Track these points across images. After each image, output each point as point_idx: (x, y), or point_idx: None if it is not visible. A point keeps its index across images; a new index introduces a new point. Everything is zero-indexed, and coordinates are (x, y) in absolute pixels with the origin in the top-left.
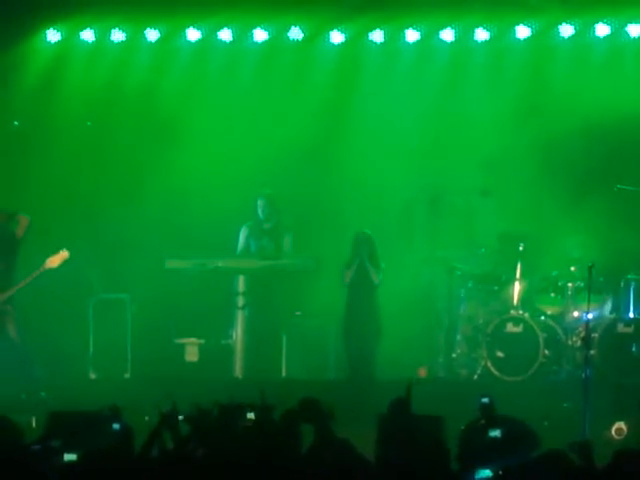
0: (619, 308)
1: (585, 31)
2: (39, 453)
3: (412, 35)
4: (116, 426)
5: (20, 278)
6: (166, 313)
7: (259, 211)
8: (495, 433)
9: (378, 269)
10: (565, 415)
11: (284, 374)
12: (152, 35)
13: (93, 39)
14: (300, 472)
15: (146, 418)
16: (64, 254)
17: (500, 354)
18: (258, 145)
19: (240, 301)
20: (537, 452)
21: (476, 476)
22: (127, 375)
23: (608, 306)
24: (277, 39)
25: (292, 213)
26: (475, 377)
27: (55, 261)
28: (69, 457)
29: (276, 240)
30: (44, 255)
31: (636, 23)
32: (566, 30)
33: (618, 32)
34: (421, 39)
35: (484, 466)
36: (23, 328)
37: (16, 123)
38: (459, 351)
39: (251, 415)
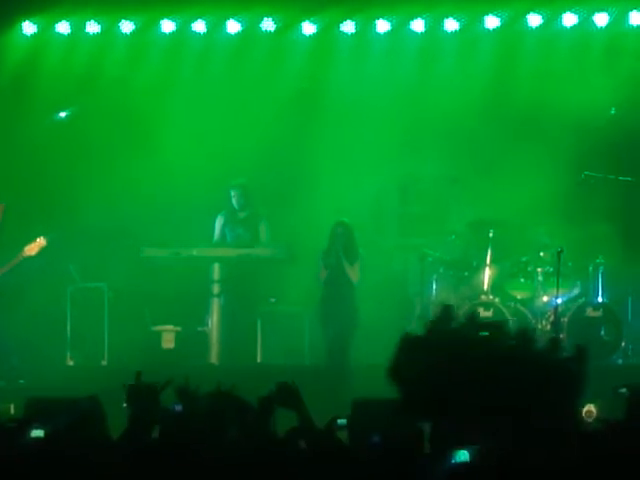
0: (588, 292)
1: (553, 21)
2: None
3: (383, 26)
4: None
5: None
6: (143, 301)
7: (233, 201)
8: None
9: (355, 258)
10: None
11: (259, 360)
12: (127, 27)
13: (69, 31)
14: (279, 456)
15: (124, 405)
16: (41, 242)
17: None
18: (232, 135)
19: (215, 289)
20: None
21: (452, 459)
22: (104, 362)
23: (577, 290)
24: (250, 31)
25: (266, 202)
26: None
27: (33, 249)
28: (36, 433)
29: (251, 229)
30: (21, 244)
31: (603, 12)
32: (534, 19)
33: (585, 21)
34: (392, 30)
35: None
36: (1, 317)
37: None
38: None
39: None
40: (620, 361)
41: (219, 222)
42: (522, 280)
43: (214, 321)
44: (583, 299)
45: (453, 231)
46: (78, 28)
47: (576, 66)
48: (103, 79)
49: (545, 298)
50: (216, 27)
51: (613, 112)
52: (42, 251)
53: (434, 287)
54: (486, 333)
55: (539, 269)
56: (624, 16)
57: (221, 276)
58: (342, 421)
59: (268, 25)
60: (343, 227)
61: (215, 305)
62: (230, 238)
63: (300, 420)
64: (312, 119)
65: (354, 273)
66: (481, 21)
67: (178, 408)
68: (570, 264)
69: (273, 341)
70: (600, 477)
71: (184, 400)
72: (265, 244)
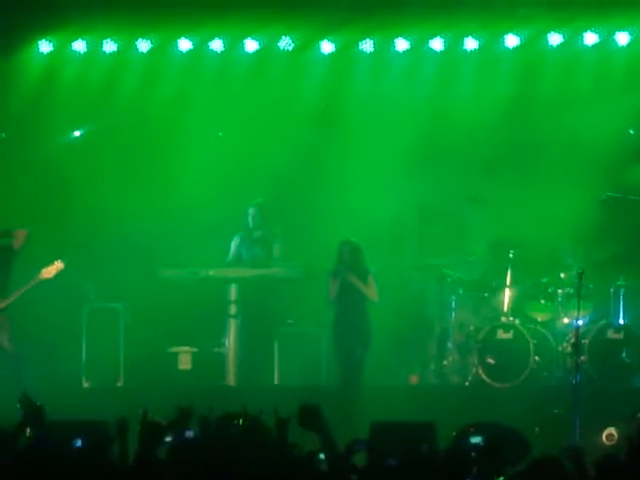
0: (609, 314)
1: (573, 39)
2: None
3: (402, 44)
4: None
5: (15, 288)
6: (159, 322)
7: (250, 220)
8: (477, 440)
9: (366, 277)
10: (556, 421)
11: (277, 381)
12: (144, 46)
13: (85, 50)
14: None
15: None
16: (59, 265)
17: (491, 361)
18: (250, 154)
19: (232, 309)
20: (528, 458)
21: None
22: (120, 384)
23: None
24: (268, 49)
25: (284, 221)
26: (466, 384)
27: (50, 272)
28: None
29: (267, 248)
30: (39, 265)
31: (624, 31)
32: (555, 39)
33: (606, 40)
34: (411, 48)
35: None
36: (17, 337)
37: (3, 135)
38: (450, 358)
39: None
40: None
41: (235, 242)
42: (542, 301)
43: (231, 342)
44: (604, 321)
45: (473, 251)
46: (95, 46)
47: (596, 85)
48: (120, 97)
49: (566, 320)
50: (234, 45)
51: (632, 132)
52: (59, 273)
53: (453, 308)
54: None
55: (560, 290)
56: None
57: (238, 297)
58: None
59: (286, 44)
60: (349, 246)
61: (232, 326)
62: (247, 257)
63: (322, 442)
64: (330, 138)
65: (371, 290)
66: (501, 40)
67: (189, 434)
68: (591, 286)
69: (290, 362)
70: None
71: (185, 422)
72: (278, 263)
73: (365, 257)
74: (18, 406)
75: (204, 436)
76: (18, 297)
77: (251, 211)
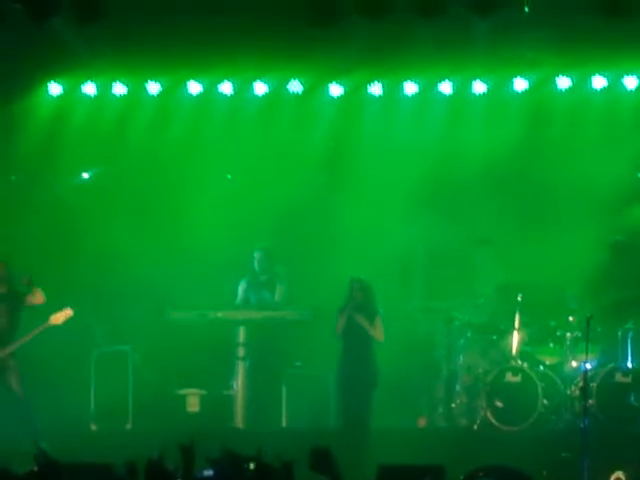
0: (617, 358)
1: (582, 83)
2: None
3: (411, 87)
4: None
5: (24, 332)
6: (167, 364)
7: (256, 263)
8: None
9: (374, 317)
10: (564, 465)
11: (285, 424)
12: (153, 88)
13: (95, 92)
14: None
15: None
16: (68, 312)
17: (499, 404)
18: (258, 196)
19: (241, 352)
20: None
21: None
22: (128, 426)
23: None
24: (277, 92)
25: (292, 263)
26: (475, 427)
27: (59, 318)
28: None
29: (274, 291)
30: (48, 307)
31: (632, 75)
32: (563, 82)
33: (615, 84)
34: (419, 91)
35: None
36: (26, 380)
37: (13, 178)
38: (458, 401)
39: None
40: None
41: (242, 286)
42: (551, 345)
43: (239, 384)
44: (612, 365)
45: (481, 294)
46: (105, 89)
47: (605, 129)
48: (129, 140)
49: (574, 363)
50: (243, 88)
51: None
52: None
53: (462, 351)
54: None
55: (568, 334)
56: None
57: (246, 339)
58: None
59: (295, 86)
60: (360, 283)
61: (240, 368)
62: (254, 300)
63: None
64: (339, 180)
65: (377, 331)
66: (509, 83)
67: (208, 473)
68: (599, 329)
69: (298, 404)
70: None
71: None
72: (281, 305)
73: (375, 297)
74: (34, 462)
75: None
76: (27, 342)
77: (257, 255)
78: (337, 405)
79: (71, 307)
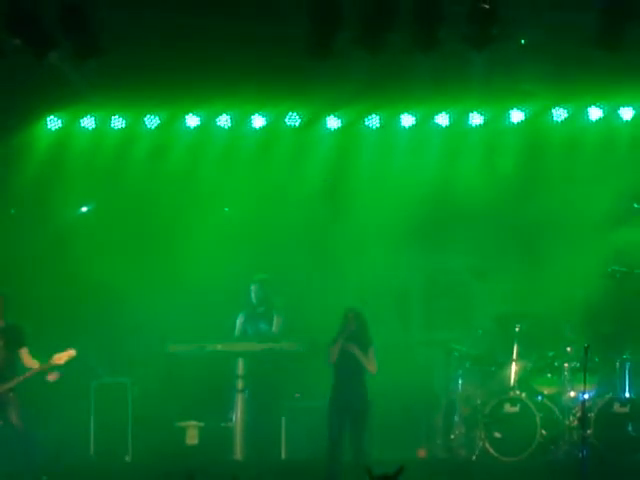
0: (615, 388)
1: (578, 114)
2: None
3: (408, 120)
4: None
5: (23, 367)
6: (167, 396)
7: (252, 296)
8: None
9: (367, 347)
10: None
11: (284, 456)
12: (152, 122)
13: (93, 126)
14: None
15: None
16: (71, 352)
17: (498, 434)
18: (256, 228)
19: (240, 384)
20: None
21: None
22: (128, 458)
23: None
24: (275, 125)
25: (290, 295)
26: (473, 457)
27: (62, 358)
28: None
29: (271, 323)
30: (47, 343)
31: (628, 106)
32: (559, 113)
33: (611, 115)
34: (416, 123)
35: None
36: (26, 414)
37: (12, 211)
38: (457, 432)
39: None
40: None
41: (240, 320)
42: (549, 375)
43: (238, 416)
44: (610, 395)
45: (480, 325)
46: (103, 123)
47: (601, 160)
48: (127, 173)
49: (572, 393)
50: (241, 122)
51: (637, 206)
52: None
53: (460, 382)
54: None
55: (566, 364)
56: None
57: (245, 371)
58: None
59: (293, 119)
60: (354, 313)
61: (239, 400)
62: (252, 333)
63: None
64: (336, 212)
65: (370, 363)
66: (506, 115)
67: None
68: (597, 359)
69: (297, 436)
70: None
71: None
72: (279, 336)
73: (369, 328)
74: None
75: None
76: (27, 378)
77: (253, 287)
78: (330, 433)
79: (71, 341)
